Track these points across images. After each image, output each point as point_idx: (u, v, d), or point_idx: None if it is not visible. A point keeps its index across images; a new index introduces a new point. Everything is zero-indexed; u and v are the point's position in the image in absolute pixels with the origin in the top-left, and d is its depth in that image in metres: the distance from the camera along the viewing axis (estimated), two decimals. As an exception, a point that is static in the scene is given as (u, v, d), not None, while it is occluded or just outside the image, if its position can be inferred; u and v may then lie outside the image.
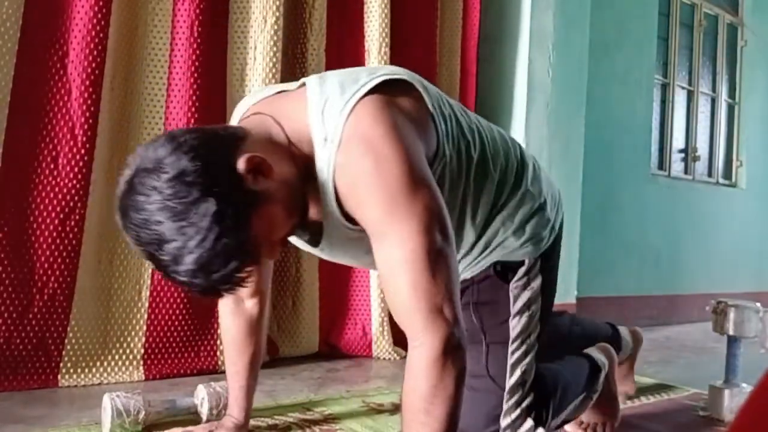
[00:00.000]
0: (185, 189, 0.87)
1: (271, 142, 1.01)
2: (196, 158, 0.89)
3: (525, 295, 1.29)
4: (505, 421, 1.26)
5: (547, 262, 1.33)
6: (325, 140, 0.99)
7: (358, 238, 1.04)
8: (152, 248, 0.89)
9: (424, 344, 0.92)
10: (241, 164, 0.92)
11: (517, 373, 1.27)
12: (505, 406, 1.26)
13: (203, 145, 0.92)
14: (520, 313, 1.28)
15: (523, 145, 2.65)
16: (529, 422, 1.27)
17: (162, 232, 0.87)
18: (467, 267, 1.30)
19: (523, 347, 1.28)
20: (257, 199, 0.93)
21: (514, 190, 1.25)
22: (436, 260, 0.94)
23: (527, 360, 1.28)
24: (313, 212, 1.09)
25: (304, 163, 1.02)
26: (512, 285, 1.29)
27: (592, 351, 1.53)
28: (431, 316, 0.92)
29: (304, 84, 1.08)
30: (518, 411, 1.26)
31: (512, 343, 1.28)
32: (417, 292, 0.92)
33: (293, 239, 1.20)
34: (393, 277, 0.95)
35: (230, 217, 0.88)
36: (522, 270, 1.30)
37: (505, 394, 1.26)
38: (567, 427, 1.53)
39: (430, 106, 1.08)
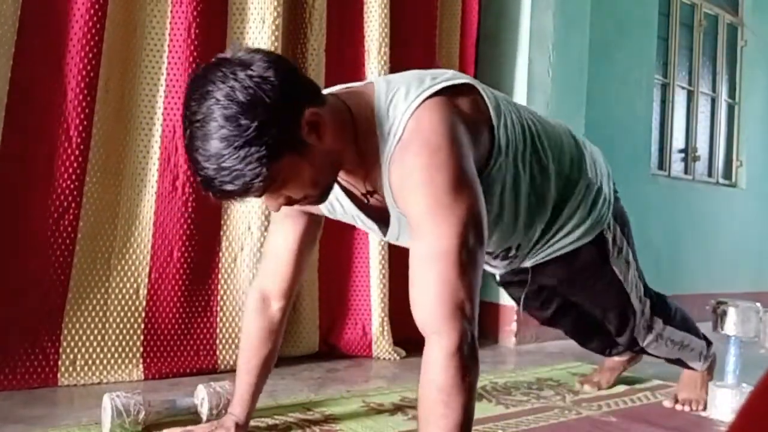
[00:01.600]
0: (256, 91, 0.94)
1: (340, 119, 1.08)
2: (281, 81, 0.96)
3: (621, 261, 1.48)
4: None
5: (616, 218, 1.48)
6: (389, 133, 1.06)
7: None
8: (197, 117, 0.95)
9: (444, 338, 0.96)
10: (308, 113, 1.00)
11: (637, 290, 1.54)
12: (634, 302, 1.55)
13: (293, 78, 1.01)
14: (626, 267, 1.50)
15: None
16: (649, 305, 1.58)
17: (212, 110, 0.93)
18: (536, 250, 1.40)
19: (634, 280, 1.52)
20: (298, 147, 1.00)
21: (576, 182, 1.35)
22: (468, 261, 0.99)
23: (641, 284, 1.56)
24: (380, 200, 1.16)
25: (362, 151, 1.10)
26: (612, 261, 1.47)
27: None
28: (454, 312, 0.96)
29: (371, 82, 1.16)
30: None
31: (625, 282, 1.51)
32: (444, 287, 0.97)
33: (367, 227, 1.28)
34: (423, 271, 0.99)
35: (269, 137, 0.94)
36: (609, 243, 1.45)
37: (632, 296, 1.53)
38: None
39: (490, 109, 1.15)
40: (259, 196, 1.01)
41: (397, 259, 2.25)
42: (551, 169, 1.30)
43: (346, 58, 2.35)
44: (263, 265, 1.40)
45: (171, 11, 1.97)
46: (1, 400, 1.61)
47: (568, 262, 1.43)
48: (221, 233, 2.07)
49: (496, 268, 1.50)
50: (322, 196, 1.11)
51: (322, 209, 1.28)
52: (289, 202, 1.07)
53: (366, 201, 1.20)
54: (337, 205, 1.25)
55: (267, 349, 1.37)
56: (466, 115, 1.10)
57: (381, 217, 1.21)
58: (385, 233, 1.25)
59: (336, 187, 1.20)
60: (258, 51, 1.01)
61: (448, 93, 1.09)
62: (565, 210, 1.35)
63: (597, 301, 1.57)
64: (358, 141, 1.10)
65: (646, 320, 1.56)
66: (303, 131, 1.00)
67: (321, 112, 1.03)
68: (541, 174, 1.28)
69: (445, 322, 0.96)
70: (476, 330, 0.99)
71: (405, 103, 1.06)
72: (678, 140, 4.15)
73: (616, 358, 1.96)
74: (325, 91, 1.17)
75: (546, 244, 1.39)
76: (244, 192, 0.98)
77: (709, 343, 1.77)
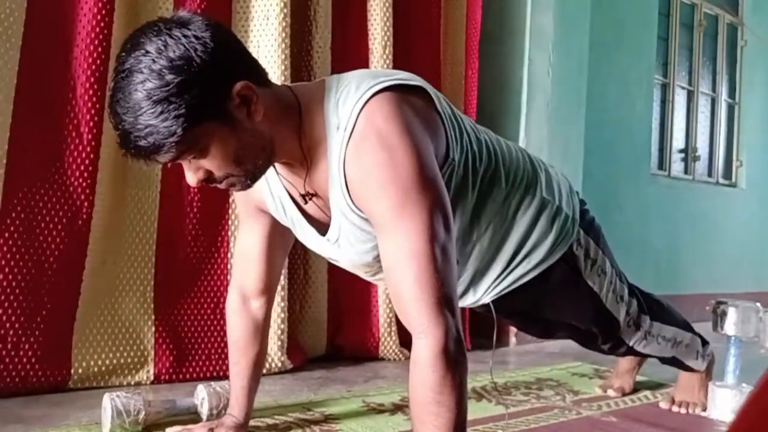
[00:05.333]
0: (188, 49, 0.92)
1: (282, 105, 1.05)
2: (217, 45, 0.94)
3: (596, 273, 1.42)
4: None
5: (587, 231, 1.41)
6: (338, 128, 1.02)
7: (364, 230, 1.07)
8: (124, 67, 0.92)
9: (430, 336, 0.94)
10: (239, 85, 0.97)
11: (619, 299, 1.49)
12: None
13: (232, 47, 0.99)
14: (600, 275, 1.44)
15: (524, 145, 2.64)
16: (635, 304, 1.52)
17: (140, 61, 0.91)
18: (494, 283, 1.32)
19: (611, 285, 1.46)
20: (223, 116, 0.96)
21: (528, 201, 1.28)
22: (442, 255, 0.97)
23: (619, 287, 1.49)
24: (319, 203, 1.12)
25: (307, 145, 1.06)
26: (586, 275, 1.40)
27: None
28: (437, 308, 0.95)
29: (324, 79, 1.13)
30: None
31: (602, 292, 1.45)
32: (423, 285, 0.95)
33: (304, 238, 1.22)
34: (399, 270, 0.97)
35: (191, 96, 0.91)
36: (581, 258, 1.39)
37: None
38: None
39: (442, 114, 1.10)
40: (174, 160, 0.97)
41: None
42: (504, 188, 1.23)
43: (351, 56, 2.35)
44: (236, 265, 1.40)
45: (175, 8, 1.95)
46: (1, 400, 1.61)
47: (536, 287, 1.33)
48: (228, 234, 2.06)
49: None
50: (247, 179, 1.05)
51: (271, 210, 1.24)
52: (210, 178, 1.02)
53: (305, 202, 1.16)
54: (280, 207, 1.21)
55: (254, 348, 1.37)
56: (420, 110, 1.06)
57: (318, 223, 1.16)
58: (321, 242, 1.17)
59: (280, 187, 1.17)
60: (201, 16, 0.98)
61: (402, 91, 1.05)
62: (518, 230, 1.27)
63: (575, 316, 1.51)
64: (304, 135, 1.06)
65: (633, 319, 1.53)
66: (232, 102, 0.97)
67: (257, 90, 0.99)
68: (492, 192, 1.21)
69: (429, 321, 0.94)
70: (460, 323, 0.98)
71: (356, 95, 1.02)
72: (678, 140, 4.15)
73: (630, 358, 1.93)
74: (279, 84, 1.16)
75: (504, 272, 1.30)
76: (155, 150, 0.93)
77: (704, 342, 1.76)
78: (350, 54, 2.35)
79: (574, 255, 1.36)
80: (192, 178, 1.02)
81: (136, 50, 0.92)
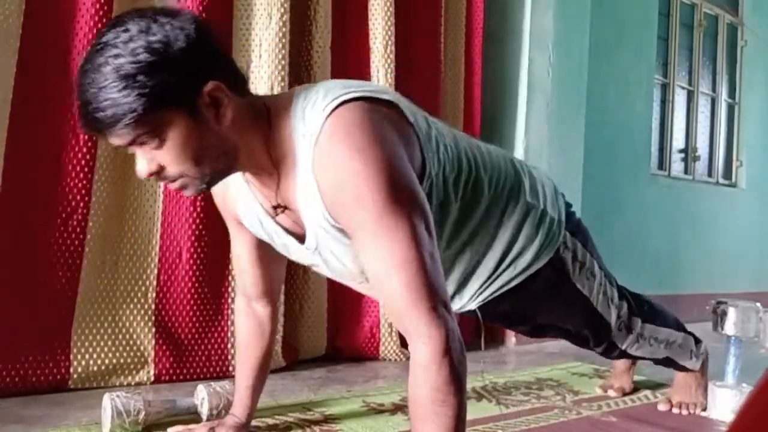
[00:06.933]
0: (170, 36, 0.91)
1: (252, 115, 1.03)
2: (199, 39, 0.94)
3: (584, 276, 1.40)
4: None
5: (574, 234, 1.39)
6: (304, 136, 1.00)
7: (342, 243, 1.05)
8: (102, 40, 0.92)
9: (432, 339, 0.93)
10: (212, 84, 0.96)
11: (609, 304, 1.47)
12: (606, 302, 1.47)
13: (213, 47, 0.99)
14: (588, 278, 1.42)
15: (524, 145, 2.62)
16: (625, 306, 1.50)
17: (119, 37, 0.90)
18: (480, 290, 1.31)
19: (601, 287, 1.44)
20: (188, 109, 0.95)
21: (512, 207, 1.26)
22: (430, 260, 0.95)
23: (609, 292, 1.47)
24: (291, 216, 1.09)
25: (276, 156, 1.04)
26: (574, 278, 1.38)
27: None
28: (433, 313, 0.94)
29: (294, 89, 1.11)
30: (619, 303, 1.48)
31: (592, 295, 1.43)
32: (417, 291, 0.93)
33: (285, 249, 1.19)
34: (390, 280, 0.94)
35: (160, 79, 0.90)
36: (569, 261, 1.37)
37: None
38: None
39: (415, 127, 1.07)
40: (131, 143, 0.94)
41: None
42: (487, 196, 1.21)
43: (351, 56, 2.34)
44: (235, 269, 1.42)
45: (176, 6, 1.96)
46: (1, 400, 1.61)
47: (523, 292, 1.33)
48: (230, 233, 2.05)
49: None
50: (202, 183, 1.01)
51: (247, 225, 1.22)
52: (162, 173, 0.98)
53: (275, 214, 1.13)
54: (256, 221, 1.19)
55: (260, 349, 1.37)
56: (391, 121, 1.03)
57: (296, 234, 1.14)
58: (301, 250, 1.15)
59: (253, 201, 1.15)
60: (194, 13, 0.99)
61: (372, 101, 1.02)
62: (503, 237, 1.26)
63: (564, 319, 1.49)
64: (272, 145, 1.04)
65: (624, 322, 1.51)
66: (202, 99, 0.95)
67: (230, 94, 0.98)
68: (475, 201, 1.19)
69: (429, 327, 0.93)
70: (455, 323, 0.97)
71: (323, 102, 1.00)
72: (678, 140, 4.15)
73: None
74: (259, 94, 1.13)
75: (490, 278, 1.29)
76: (111, 124, 0.90)
77: (697, 341, 1.74)
78: (350, 54, 2.35)
79: (561, 258, 1.35)
80: (144, 167, 0.98)
81: (117, 27, 0.92)
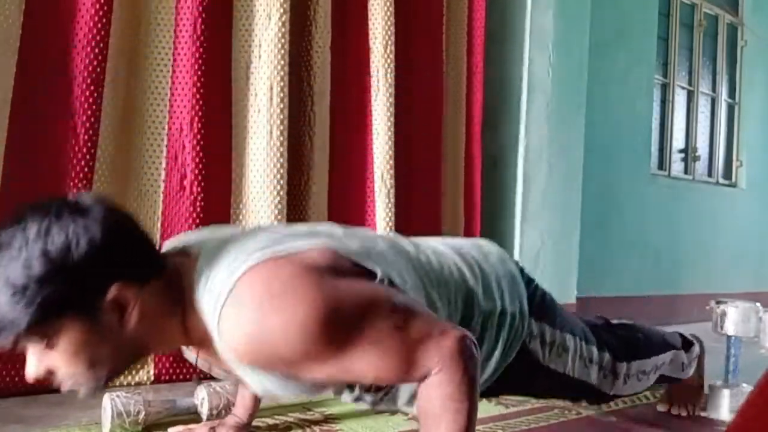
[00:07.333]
0: (70, 240, 0.83)
1: (171, 302, 0.95)
2: (106, 240, 0.85)
3: (556, 354, 1.33)
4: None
5: (540, 318, 1.32)
6: (214, 310, 0.91)
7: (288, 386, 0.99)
8: (0, 239, 0.85)
9: (440, 368, 0.92)
10: (116, 288, 0.87)
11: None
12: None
13: (121, 242, 0.89)
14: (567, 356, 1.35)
15: (524, 145, 2.60)
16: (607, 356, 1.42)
17: (16, 238, 0.83)
18: None
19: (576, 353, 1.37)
20: (86, 317, 0.86)
21: (466, 322, 1.19)
22: (402, 328, 0.93)
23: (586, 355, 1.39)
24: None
25: (195, 340, 0.97)
26: (547, 361, 1.32)
27: (684, 333, 1.70)
28: (429, 352, 0.93)
29: (199, 245, 1.00)
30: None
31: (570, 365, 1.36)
32: (408, 362, 0.93)
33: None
34: (382, 376, 0.95)
35: (54, 289, 0.82)
36: (538, 350, 1.31)
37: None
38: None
39: (363, 265, 1.00)
40: (14, 346, 0.85)
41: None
42: (442, 314, 1.14)
43: (351, 56, 2.34)
44: None
45: (176, 7, 1.96)
46: (1, 400, 1.61)
47: (495, 387, 1.29)
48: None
49: (362, 401, 1.17)
50: (97, 384, 0.92)
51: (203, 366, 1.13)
52: (51, 374, 0.89)
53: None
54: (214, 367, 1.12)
55: None
56: (318, 263, 0.94)
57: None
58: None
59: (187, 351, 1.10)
60: (104, 202, 0.89)
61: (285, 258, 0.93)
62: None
63: (544, 394, 1.45)
64: (189, 327, 0.96)
65: (607, 370, 1.45)
66: (104, 305, 0.87)
67: (138, 292, 0.89)
68: None
69: (433, 364, 0.92)
70: (458, 331, 0.96)
71: (226, 272, 0.91)
72: (678, 140, 4.15)
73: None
74: (173, 244, 1.05)
75: None
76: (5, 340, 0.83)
77: (688, 347, 1.68)
78: (350, 54, 2.35)
79: (529, 350, 1.30)
80: (32, 369, 0.89)
81: (16, 225, 0.84)
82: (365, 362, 0.92)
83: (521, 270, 1.36)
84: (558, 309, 1.39)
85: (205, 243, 1.00)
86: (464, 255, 1.25)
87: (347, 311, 0.91)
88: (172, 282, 0.95)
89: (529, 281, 1.35)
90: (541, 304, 1.35)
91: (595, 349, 1.42)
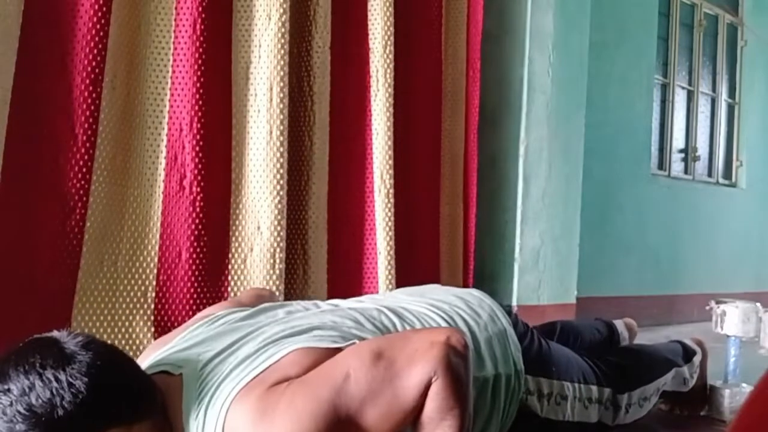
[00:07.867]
0: (53, 399, 0.83)
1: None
2: (92, 392, 0.85)
3: (554, 403, 1.32)
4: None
5: (536, 372, 1.31)
6: None
7: None
8: None
9: (440, 374, 0.92)
10: None
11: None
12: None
13: (107, 390, 0.88)
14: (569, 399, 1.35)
15: (524, 145, 2.61)
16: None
17: None
18: None
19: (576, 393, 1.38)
20: None
21: None
22: (388, 376, 0.92)
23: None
24: None
25: None
26: (545, 413, 1.31)
27: (685, 340, 1.71)
28: (413, 379, 0.92)
29: (180, 374, 1.00)
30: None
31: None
32: (406, 391, 0.92)
33: None
34: (394, 416, 0.93)
35: None
36: (536, 405, 1.30)
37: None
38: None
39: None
40: None
41: (406, 262, 2.25)
42: None
43: (351, 56, 2.34)
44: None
45: (176, 7, 1.95)
46: (0, 401, 1.60)
47: None
48: (230, 234, 2.05)
49: None
50: None
51: None
52: None
53: None
54: None
55: None
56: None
57: None
58: None
59: None
60: (90, 346, 0.89)
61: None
62: None
63: None
64: None
65: (608, 403, 1.45)
66: None
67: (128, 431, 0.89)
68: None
69: (436, 366, 0.92)
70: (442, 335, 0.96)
71: (212, 414, 0.92)
72: (678, 140, 4.16)
73: None
74: (161, 361, 1.05)
75: None
76: None
77: (688, 357, 1.68)
78: (350, 54, 2.35)
79: (527, 406, 1.29)
80: None
81: (1, 383, 0.85)
82: (372, 422, 0.91)
83: (515, 322, 1.34)
84: (554, 356, 1.37)
85: (186, 363, 1.01)
86: (454, 320, 1.25)
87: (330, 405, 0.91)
88: (161, 412, 0.96)
89: (523, 334, 1.34)
90: (536, 357, 1.33)
91: (594, 388, 1.42)
